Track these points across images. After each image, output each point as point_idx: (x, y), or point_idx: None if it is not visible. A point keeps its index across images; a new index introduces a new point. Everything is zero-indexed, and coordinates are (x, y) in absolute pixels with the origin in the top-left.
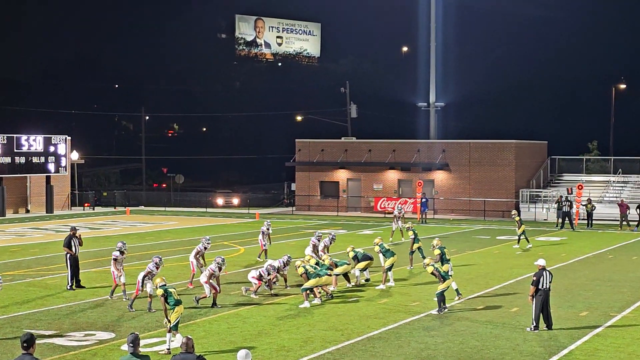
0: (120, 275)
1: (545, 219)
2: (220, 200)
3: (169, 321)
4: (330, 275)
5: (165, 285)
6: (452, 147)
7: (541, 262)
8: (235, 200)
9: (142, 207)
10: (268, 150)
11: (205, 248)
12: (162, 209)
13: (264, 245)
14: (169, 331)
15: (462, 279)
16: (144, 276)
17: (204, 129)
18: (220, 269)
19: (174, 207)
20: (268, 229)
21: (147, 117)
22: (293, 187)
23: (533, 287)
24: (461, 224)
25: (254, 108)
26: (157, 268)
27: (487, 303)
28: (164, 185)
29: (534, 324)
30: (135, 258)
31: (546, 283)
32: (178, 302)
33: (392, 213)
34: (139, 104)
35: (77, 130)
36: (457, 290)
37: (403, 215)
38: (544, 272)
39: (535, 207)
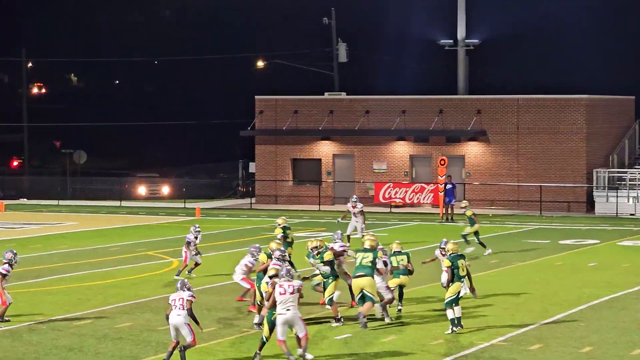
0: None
1: (632, 214)
2: (142, 189)
3: None
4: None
5: None
6: (492, 106)
7: None
8: (165, 189)
9: (24, 200)
10: (213, 113)
11: (196, 238)
12: (55, 202)
13: (188, 259)
14: None
15: (508, 304)
16: None
17: (117, 82)
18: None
19: (73, 199)
20: (196, 238)
21: (30, 65)
22: (252, 169)
23: None
24: (506, 221)
25: (193, 50)
26: None
27: (546, 340)
28: (14, 163)
29: None
30: (14, 277)
31: None
32: None
33: (403, 204)
34: (18, 44)
35: None
36: (458, 319)
37: (362, 212)
38: None
39: (616, 196)
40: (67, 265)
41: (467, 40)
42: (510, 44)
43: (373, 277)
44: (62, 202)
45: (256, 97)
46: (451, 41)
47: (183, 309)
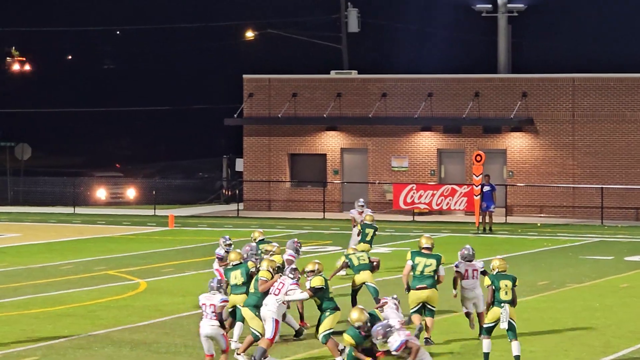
0: None
1: None
2: (102, 193)
3: None
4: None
5: None
6: (541, 88)
7: None
8: (131, 192)
9: None
10: (192, 96)
11: (227, 252)
12: None
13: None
14: None
15: (561, 337)
16: None
17: (69, 57)
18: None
19: (14, 205)
20: (228, 253)
21: None
22: (239, 166)
23: None
24: (558, 232)
25: (164, 17)
26: None
27: None
28: None
29: None
30: None
31: None
32: None
33: (429, 211)
34: None
35: None
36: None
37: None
38: None
39: None
40: (7, 288)
41: (509, 5)
42: (564, 9)
43: (436, 288)
44: (1, 209)
45: (244, 76)
46: (490, 5)
47: (216, 318)
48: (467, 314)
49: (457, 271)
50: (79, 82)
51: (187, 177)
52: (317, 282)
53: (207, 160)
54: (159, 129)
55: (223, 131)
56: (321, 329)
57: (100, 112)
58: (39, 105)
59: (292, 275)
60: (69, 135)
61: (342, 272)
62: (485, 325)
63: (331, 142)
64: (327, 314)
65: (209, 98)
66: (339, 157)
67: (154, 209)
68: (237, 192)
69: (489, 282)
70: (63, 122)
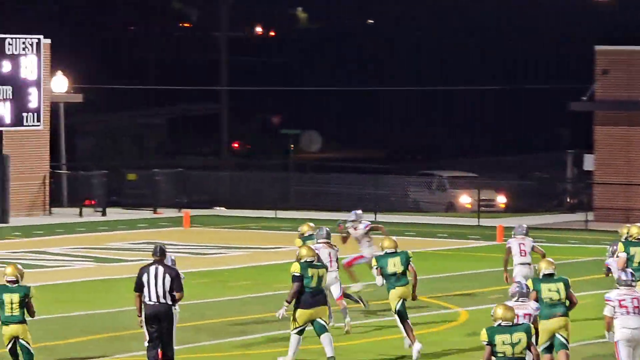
0: None
1: None
2: (465, 199)
3: None
4: None
5: None
6: None
7: None
8: (501, 200)
9: (222, 210)
10: (525, 73)
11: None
12: (270, 213)
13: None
14: None
15: None
16: None
17: (369, 22)
18: None
19: (298, 209)
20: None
21: None
22: (588, 165)
23: None
24: None
25: None
26: None
27: None
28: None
29: None
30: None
31: None
32: None
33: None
34: None
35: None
36: None
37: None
38: None
39: None
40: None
41: None
42: None
43: None
44: (281, 214)
45: (596, 47)
46: None
47: None
48: None
49: None
50: (381, 51)
51: (517, 177)
52: None
53: (543, 156)
54: (481, 114)
55: (566, 118)
56: None
57: (410, 92)
58: (330, 83)
59: None
60: (371, 120)
61: None
62: None
63: None
64: None
65: (548, 75)
66: None
67: (478, 218)
68: (585, 198)
69: None
70: (367, 103)
